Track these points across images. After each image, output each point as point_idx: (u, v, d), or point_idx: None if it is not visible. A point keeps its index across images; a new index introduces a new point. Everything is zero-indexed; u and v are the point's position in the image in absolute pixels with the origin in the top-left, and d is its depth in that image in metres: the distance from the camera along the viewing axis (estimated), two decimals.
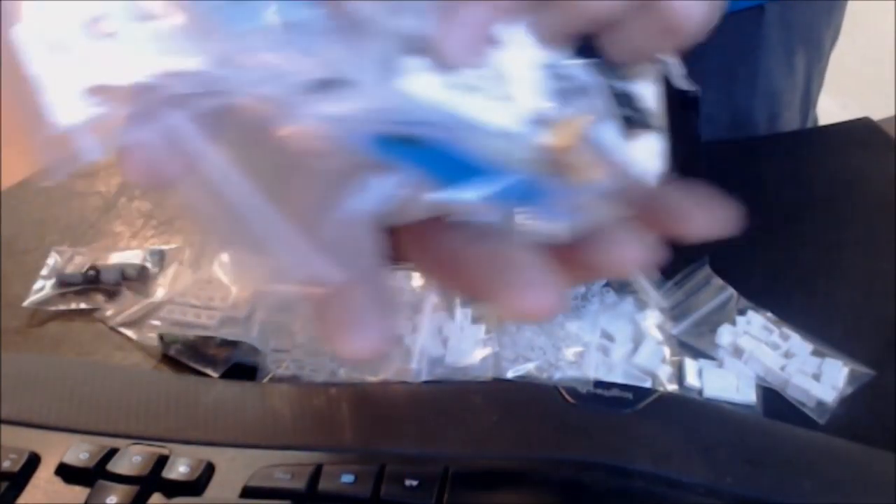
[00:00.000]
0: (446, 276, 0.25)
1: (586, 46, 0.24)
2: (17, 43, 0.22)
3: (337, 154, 0.22)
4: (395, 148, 0.22)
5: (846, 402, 0.44)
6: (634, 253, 0.24)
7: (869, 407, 0.44)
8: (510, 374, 0.44)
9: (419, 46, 0.22)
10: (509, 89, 0.23)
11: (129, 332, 0.48)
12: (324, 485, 0.35)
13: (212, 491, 0.35)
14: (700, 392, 0.44)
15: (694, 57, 0.26)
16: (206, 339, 0.46)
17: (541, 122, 0.23)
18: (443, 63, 0.22)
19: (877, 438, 0.41)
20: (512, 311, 0.22)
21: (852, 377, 0.45)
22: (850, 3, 0.72)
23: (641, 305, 0.48)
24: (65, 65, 0.22)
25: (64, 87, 0.22)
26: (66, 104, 0.21)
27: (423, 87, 0.22)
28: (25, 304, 0.50)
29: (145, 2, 0.22)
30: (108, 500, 0.34)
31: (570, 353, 0.45)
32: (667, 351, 0.46)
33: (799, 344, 0.46)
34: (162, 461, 0.36)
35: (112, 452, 0.36)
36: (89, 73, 0.22)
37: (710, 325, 0.48)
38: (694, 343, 0.47)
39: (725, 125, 0.67)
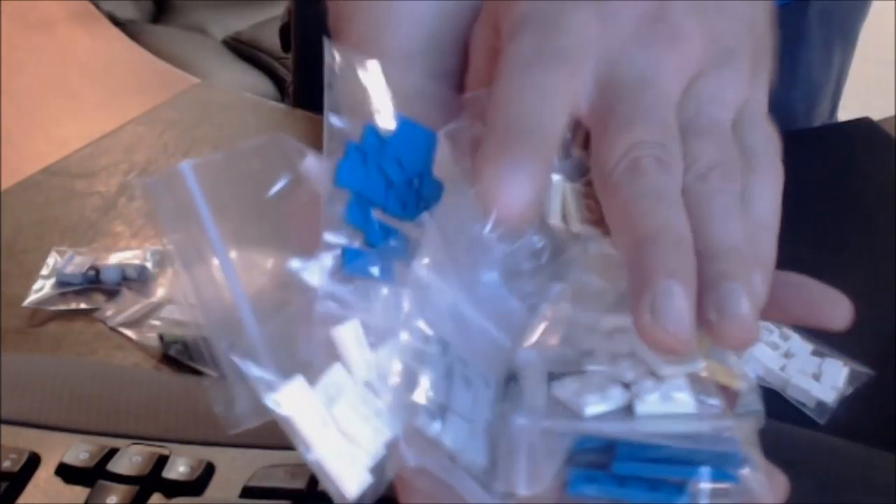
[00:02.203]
0: None
1: None
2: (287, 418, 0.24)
3: None
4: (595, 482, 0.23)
5: (846, 402, 0.44)
6: None
7: (869, 407, 0.44)
8: None
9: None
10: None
11: (129, 332, 0.48)
12: None
13: (212, 491, 0.35)
14: None
15: None
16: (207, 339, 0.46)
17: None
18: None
19: (877, 438, 0.41)
20: None
21: (852, 377, 0.45)
22: None
23: None
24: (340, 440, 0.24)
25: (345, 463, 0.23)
26: (351, 479, 0.23)
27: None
28: (25, 304, 0.50)
29: None
30: (108, 500, 0.34)
31: None
32: None
33: (799, 344, 0.46)
34: (162, 461, 0.36)
35: (112, 452, 0.36)
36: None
37: None
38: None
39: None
